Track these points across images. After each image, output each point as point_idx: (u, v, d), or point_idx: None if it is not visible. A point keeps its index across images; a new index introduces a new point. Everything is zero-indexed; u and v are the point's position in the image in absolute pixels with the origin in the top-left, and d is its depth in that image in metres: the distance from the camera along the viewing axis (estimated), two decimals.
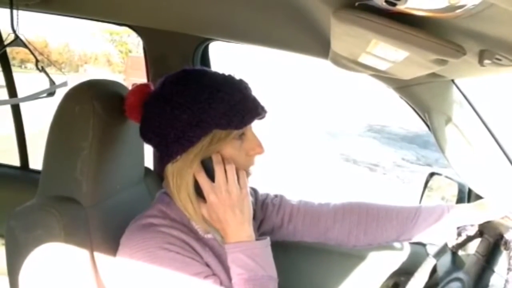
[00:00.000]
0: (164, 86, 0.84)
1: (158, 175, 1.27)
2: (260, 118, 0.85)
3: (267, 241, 0.85)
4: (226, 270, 0.83)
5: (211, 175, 0.81)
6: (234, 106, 0.80)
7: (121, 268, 0.79)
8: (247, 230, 0.83)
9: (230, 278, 0.81)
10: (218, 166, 0.81)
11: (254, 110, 0.83)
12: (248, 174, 0.88)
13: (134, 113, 0.87)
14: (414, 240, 1.07)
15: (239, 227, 0.82)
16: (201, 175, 0.81)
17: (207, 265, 0.82)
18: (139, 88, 0.88)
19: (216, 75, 0.84)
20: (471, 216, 1.03)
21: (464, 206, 1.09)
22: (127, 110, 0.88)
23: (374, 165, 8.10)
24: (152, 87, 0.88)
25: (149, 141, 0.86)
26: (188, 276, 0.76)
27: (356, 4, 0.56)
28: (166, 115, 0.80)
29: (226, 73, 0.85)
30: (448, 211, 1.04)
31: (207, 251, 0.84)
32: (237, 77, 0.85)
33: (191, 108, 0.78)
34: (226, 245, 0.82)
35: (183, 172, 0.81)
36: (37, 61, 1.29)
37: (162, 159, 0.83)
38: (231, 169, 0.81)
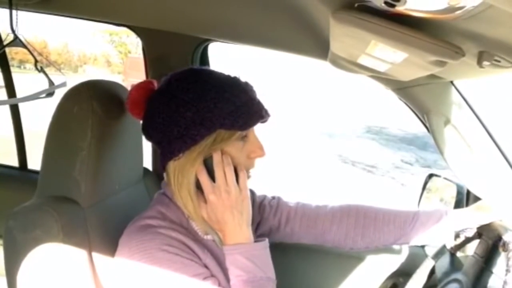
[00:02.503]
0: (170, 83, 0.84)
1: (157, 175, 1.27)
2: (263, 122, 0.86)
3: (265, 242, 0.85)
4: (225, 271, 0.83)
5: (212, 175, 0.81)
6: (240, 108, 0.80)
7: (119, 269, 0.79)
8: (246, 232, 0.83)
9: (228, 280, 0.81)
10: (218, 167, 0.81)
11: (258, 112, 0.83)
12: (248, 176, 0.88)
13: (137, 109, 0.87)
14: (412, 244, 1.08)
15: (237, 229, 0.82)
16: (203, 174, 0.81)
17: (206, 267, 0.82)
18: (142, 84, 0.88)
19: (222, 75, 0.85)
20: (469, 221, 1.03)
21: (462, 210, 1.10)
22: (130, 106, 0.87)
23: (372, 167, 8.10)
24: (156, 84, 0.88)
25: (151, 138, 0.86)
26: (186, 277, 0.76)
27: (355, 5, 0.56)
28: (170, 112, 0.80)
29: (232, 75, 0.86)
30: (446, 216, 1.04)
31: (205, 252, 0.84)
32: (243, 79, 0.86)
33: (196, 106, 0.78)
34: (225, 246, 0.82)
35: (185, 170, 0.81)
36: (36, 61, 1.29)
37: (164, 156, 0.83)
38: (230, 170, 0.82)
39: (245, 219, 0.83)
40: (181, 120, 0.79)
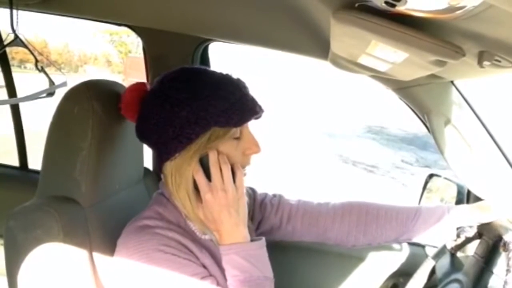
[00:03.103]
0: (162, 83, 0.84)
1: (157, 175, 1.27)
2: (257, 118, 0.86)
3: (262, 242, 0.84)
4: (223, 271, 0.82)
5: (209, 174, 0.81)
6: (234, 104, 0.80)
7: (118, 270, 0.79)
8: (242, 231, 0.82)
9: (226, 279, 0.81)
10: (214, 166, 0.81)
11: (252, 108, 0.83)
12: (243, 174, 0.88)
13: (130, 111, 0.87)
14: (414, 240, 1.08)
15: (233, 228, 0.81)
16: (199, 174, 0.81)
17: (204, 266, 0.82)
18: (135, 86, 0.88)
19: (215, 73, 0.85)
20: (471, 217, 1.03)
21: (464, 207, 1.10)
22: (123, 108, 0.88)
23: (373, 167, 8.10)
24: (149, 86, 0.88)
25: (146, 140, 0.86)
26: (184, 277, 0.76)
27: (356, 5, 0.56)
28: (165, 112, 0.79)
29: (224, 72, 0.86)
30: (448, 212, 1.04)
31: (203, 252, 0.84)
32: (235, 76, 0.86)
33: (190, 105, 0.78)
34: (221, 246, 0.82)
35: (182, 169, 0.81)
36: (36, 61, 1.29)
37: (160, 157, 0.83)
38: (226, 169, 0.81)
39: (241, 218, 0.83)
40: (176, 120, 0.79)
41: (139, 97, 0.86)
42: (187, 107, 0.78)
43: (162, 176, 0.87)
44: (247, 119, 0.82)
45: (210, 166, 0.81)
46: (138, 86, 0.88)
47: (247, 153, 0.86)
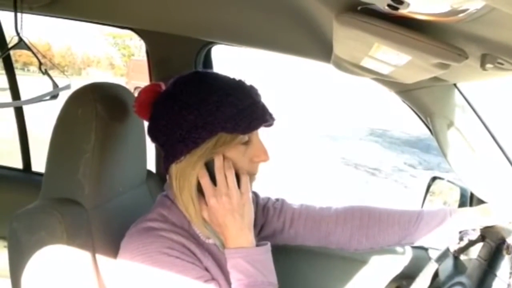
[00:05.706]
0: (175, 85, 0.84)
1: (160, 177, 1.28)
2: (267, 126, 0.86)
3: (267, 247, 0.84)
4: (226, 275, 0.83)
5: (214, 179, 0.81)
6: (242, 111, 0.80)
7: (121, 272, 0.79)
8: (247, 235, 0.83)
9: (229, 283, 0.81)
10: (218, 171, 0.81)
11: (262, 116, 0.83)
12: (252, 180, 0.88)
13: (144, 111, 0.87)
14: (416, 244, 1.08)
15: (238, 233, 0.82)
16: (205, 178, 0.81)
17: (207, 270, 0.82)
18: (151, 87, 0.88)
19: (227, 79, 0.85)
20: (474, 220, 1.03)
21: (467, 209, 1.09)
22: (137, 108, 0.88)
23: (375, 169, 8.08)
24: (163, 87, 0.89)
25: (155, 140, 0.86)
26: (188, 280, 0.76)
27: (359, 8, 0.56)
28: (173, 115, 0.80)
29: (237, 78, 0.86)
30: (450, 215, 1.04)
31: (207, 256, 0.84)
32: (248, 82, 0.86)
33: (198, 109, 0.78)
34: (226, 250, 0.82)
35: (186, 173, 0.81)
36: (40, 64, 1.29)
37: (167, 158, 0.83)
38: (231, 174, 0.81)
39: (246, 223, 0.83)
40: (183, 123, 0.79)
41: (153, 98, 0.86)
42: (195, 111, 0.79)
43: (167, 178, 0.87)
44: (255, 126, 0.82)
45: (215, 171, 0.81)
46: (152, 86, 0.89)
47: (255, 161, 0.86)
